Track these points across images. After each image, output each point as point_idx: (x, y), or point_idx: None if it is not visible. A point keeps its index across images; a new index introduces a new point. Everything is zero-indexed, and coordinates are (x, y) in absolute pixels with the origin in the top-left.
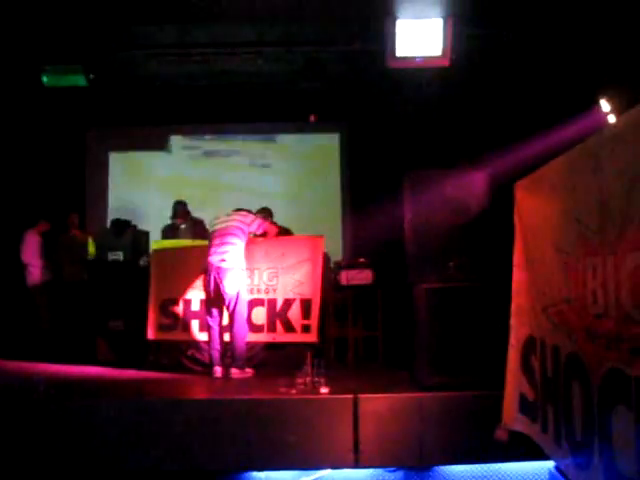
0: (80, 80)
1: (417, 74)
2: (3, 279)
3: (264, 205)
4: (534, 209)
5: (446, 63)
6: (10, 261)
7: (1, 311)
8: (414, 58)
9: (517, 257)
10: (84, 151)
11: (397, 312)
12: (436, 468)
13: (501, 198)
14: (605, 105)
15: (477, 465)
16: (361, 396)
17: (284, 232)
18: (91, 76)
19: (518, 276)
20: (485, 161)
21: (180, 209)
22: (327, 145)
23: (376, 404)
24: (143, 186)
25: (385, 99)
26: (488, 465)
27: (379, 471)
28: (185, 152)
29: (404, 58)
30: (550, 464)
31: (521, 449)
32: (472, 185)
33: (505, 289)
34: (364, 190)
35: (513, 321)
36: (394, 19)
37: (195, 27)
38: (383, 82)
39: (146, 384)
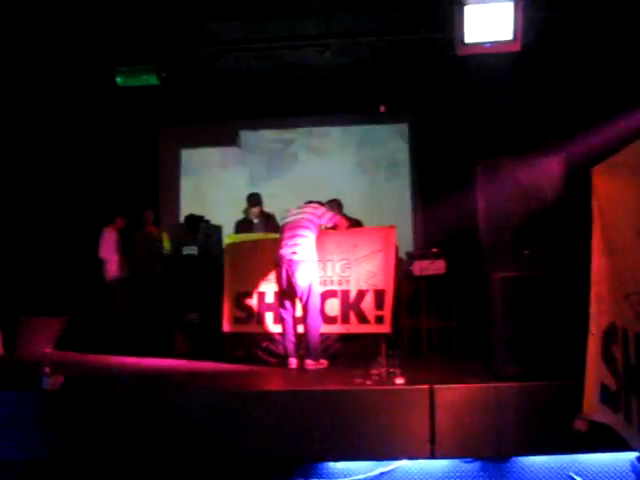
0: (152, 79)
1: (486, 60)
2: (82, 275)
3: (333, 197)
4: (613, 194)
5: (517, 48)
6: (89, 257)
7: (81, 306)
8: (483, 44)
9: (596, 244)
10: (157, 148)
11: (471, 302)
12: (514, 459)
13: (577, 184)
14: None
15: (556, 456)
16: (437, 386)
17: (354, 224)
18: (163, 74)
19: (598, 263)
20: (559, 146)
21: (254, 200)
22: (395, 135)
23: (452, 394)
24: (214, 181)
25: (453, 86)
26: (567, 456)
27: (456, 462)
28: (254, 146)
29: (473, 44)
30: (631, 455)
31: (601, 440)
32: (546, 171)
33: (583, 277)
34: (433, 179)
35: (593, 309)
36: (462, 5)
37: (262, 22)
38: (451, 69)
39: (222, 376)
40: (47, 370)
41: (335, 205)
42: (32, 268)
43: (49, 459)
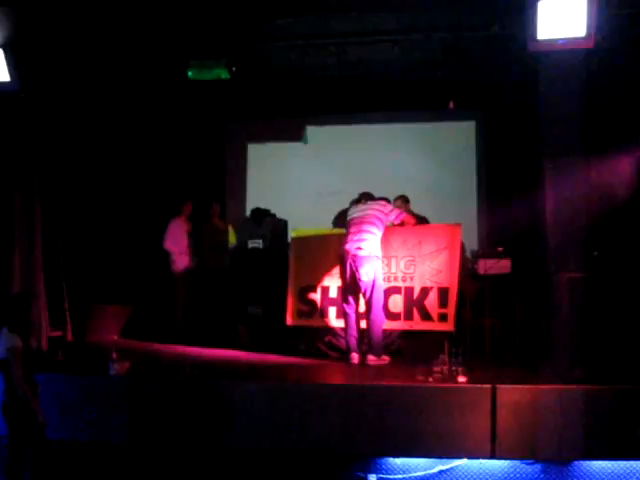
0: (223, 73)
1: (558, 57)
2: (151, 266)
3: (399, 193)
4: None
5: (590, 45)
6: (158, 249)
7: (148, 296)
8: (556, 41)
9: None
10: (224, 143)
11: (535, 302)
12: (575, 463)
13: None
14: None
15: (619, 462)
16: (499, 386)
17: (420, 221)
18: (233, 69)
19: None
20: (633, 145)
21: (367, 199)
22: (463, 133)
23: (515, 395)
24: (280, 176)
25: (523, 84)
26: (631, 462)
27: (516, 463)
28: (320, 141)
29: (546, 41)
30: None
31: None
32: (619, 171)
33: None
34: (500, 178)
35: None
36: (535, 0)
37: (332, 17)
38: (521, 67)
39: (284, 368)
40: (114, 356)
41: (402, 201)
42: (103, 258)
43: (115, 442)
